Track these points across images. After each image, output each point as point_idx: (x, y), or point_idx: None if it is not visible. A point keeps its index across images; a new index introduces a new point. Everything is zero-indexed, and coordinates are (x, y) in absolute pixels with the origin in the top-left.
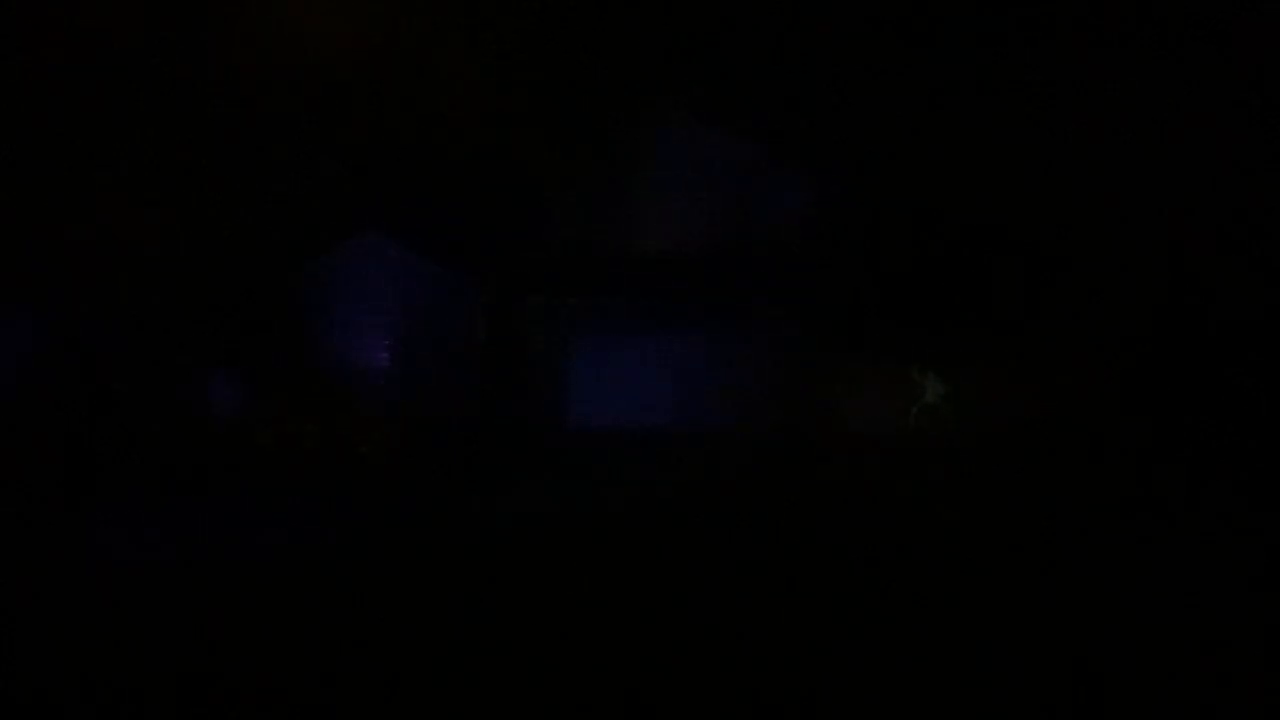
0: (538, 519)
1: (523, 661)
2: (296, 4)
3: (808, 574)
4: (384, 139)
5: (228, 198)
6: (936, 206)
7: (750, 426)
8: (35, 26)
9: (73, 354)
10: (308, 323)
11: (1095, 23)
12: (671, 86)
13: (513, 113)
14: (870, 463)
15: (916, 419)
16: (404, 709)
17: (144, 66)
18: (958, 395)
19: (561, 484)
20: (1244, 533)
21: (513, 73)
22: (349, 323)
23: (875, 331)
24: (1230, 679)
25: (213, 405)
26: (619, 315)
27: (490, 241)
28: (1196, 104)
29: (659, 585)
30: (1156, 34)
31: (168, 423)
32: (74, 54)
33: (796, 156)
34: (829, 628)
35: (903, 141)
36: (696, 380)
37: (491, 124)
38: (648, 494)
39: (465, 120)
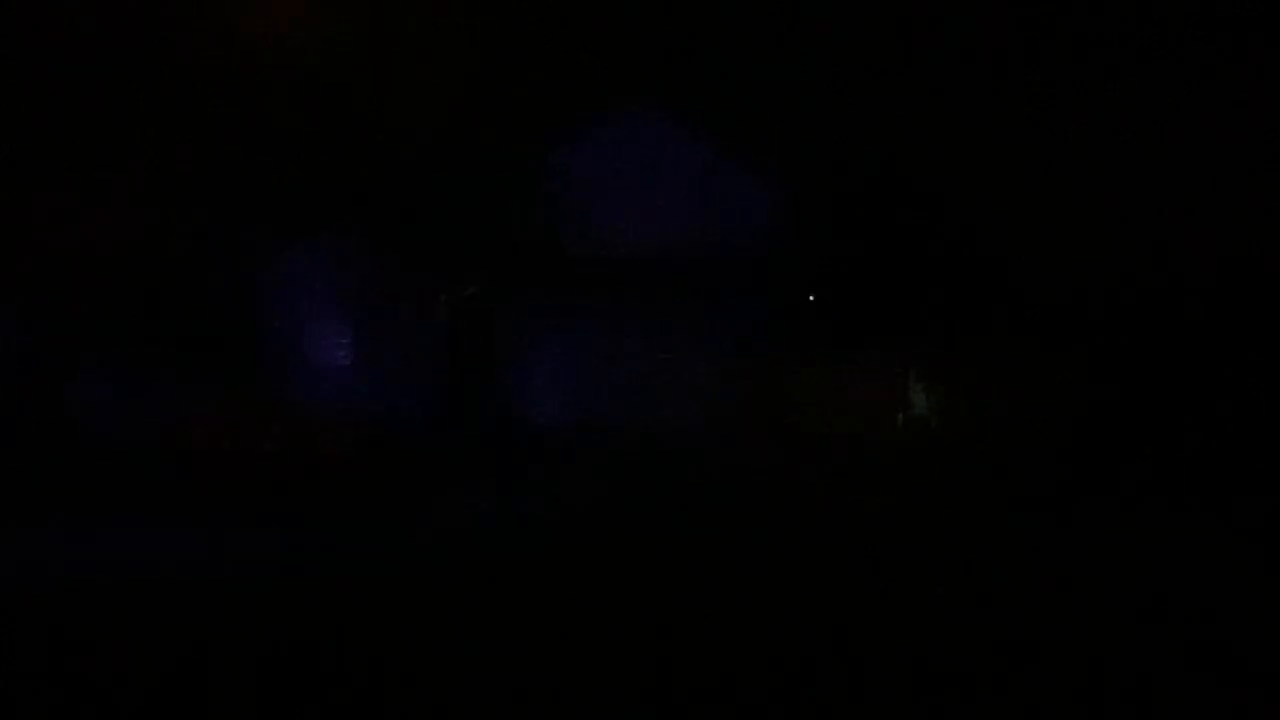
0: (505, 520)
1: (496, 666)
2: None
3: (781, 578)
4: (346, 136)
5: (184, 196)
6: (921, 210)
7: (720, 428)
8: None
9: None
10: (267, 323)
11: (1067, 25)
12: (640, 86)
13: (477, 110)
14: (851, 469)
15: (903, 428)
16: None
17: (102, 63)
18: (945, 405)
19: (529, 484)
20: (1227, 534)
21: (479, 70)
22: (309, 323)
23: (857, 336)
24: (1213, 679)
25: (165, 408)
26: (586, 315)
27: (454, 240)
28: (1172, 107)
29: (631, 586)
30: (1130, 33)
31: (120, 427)
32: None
33: (772, 157)
34: (807, 633)
35: (885, 144)
36: (666, 381)
37: (456, 121)
38: (616, 494)
39: (429, 117)
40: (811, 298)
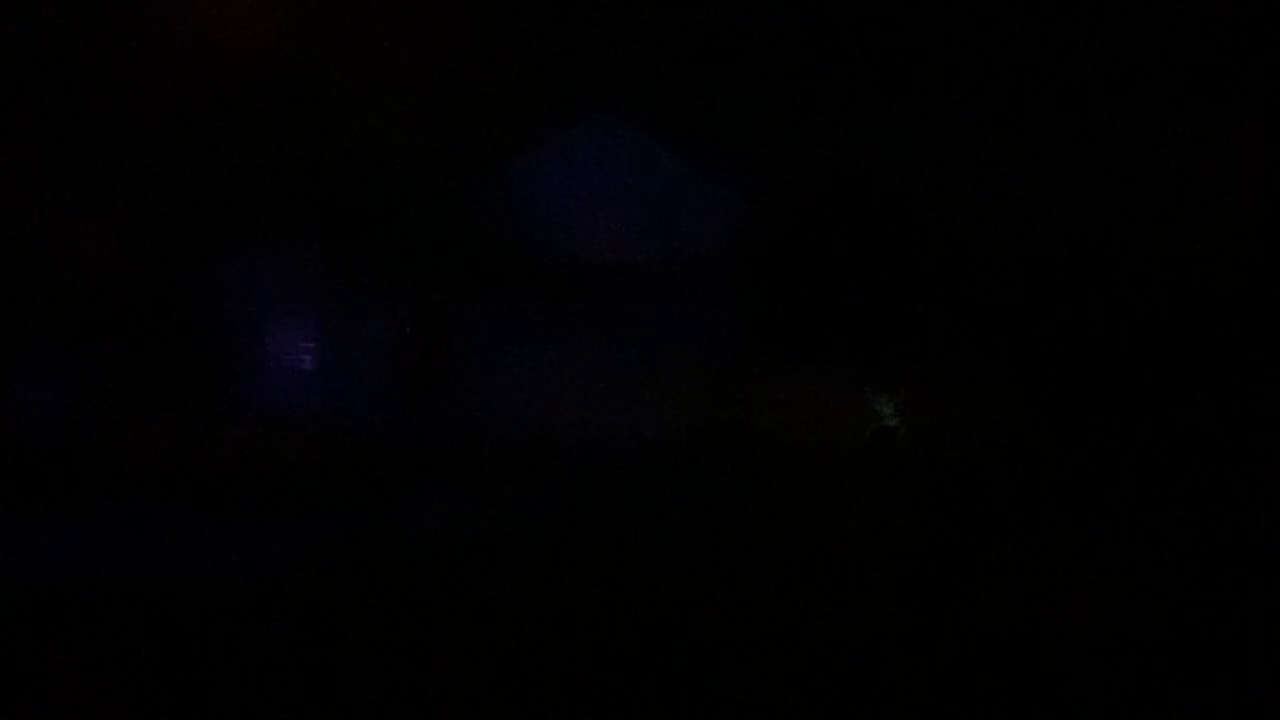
0: (466, 527)
1: (458, 673)
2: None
3: (740, 588)
4: (309, 138)
5: (141, 194)
6: (889, 218)
7: (683, 436)
8: None
9: None
10: (228, 325)
11: (1037, 29)
12: (604, 91)
13: (441, 115)
14: (816, 478)
15: (871, 438)
16: None
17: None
18: (915, 416)
19: (490, 491)
20: (1190, 551)
21: (445, 76)
22: (272, 325)
23: (825, 346)
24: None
25: (118, 411)
26: (551, 321)
27: (418, 245)
28: (1147, 114)
29: (593, 593)
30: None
31: (70, 430)
32: None
33: (738, 163)
34: (767, 645)
35: (853, 151)
36: (628, 388)
37: (420, 125)
38: (576, 502)
39: (393, 120)
40: (778, 305)
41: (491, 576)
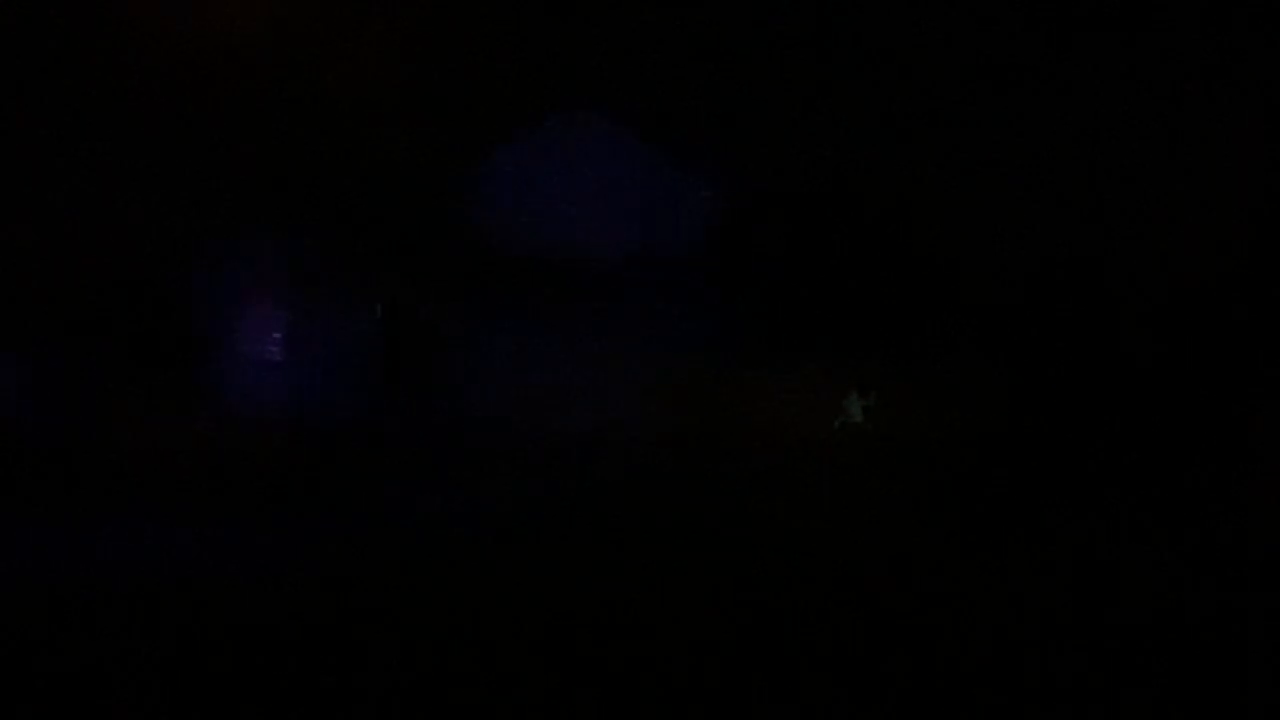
0: (435, 523)
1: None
2: None
3: (713, 582)
4: (280, 128)
5: (109, 184)
6: (862, 214)
7: (653, 431)
8: None
9: None
10: (194, 316)
11: (1018, 25)
12: (579, 85)
13: (408, 111)
14: (784, 471)
15: (838, 432)
16: None
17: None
18: (880, 411)
19: (459, 488)
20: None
21: (418, 69)
22: (240, 317)
23: (794, 342)
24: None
25: (89, 410)
26: (521, 316)
27: (388, 237)
28: (1128, 113)
29: (561, 590)
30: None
31: (31, 421)
32: None
33: (710, 158)
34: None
35: (826, 147)
36: (599, 384)
37: (393, 119)
38: (547, 498)
39: (365, 113)
40: (757, 302)
41: (469, 573)
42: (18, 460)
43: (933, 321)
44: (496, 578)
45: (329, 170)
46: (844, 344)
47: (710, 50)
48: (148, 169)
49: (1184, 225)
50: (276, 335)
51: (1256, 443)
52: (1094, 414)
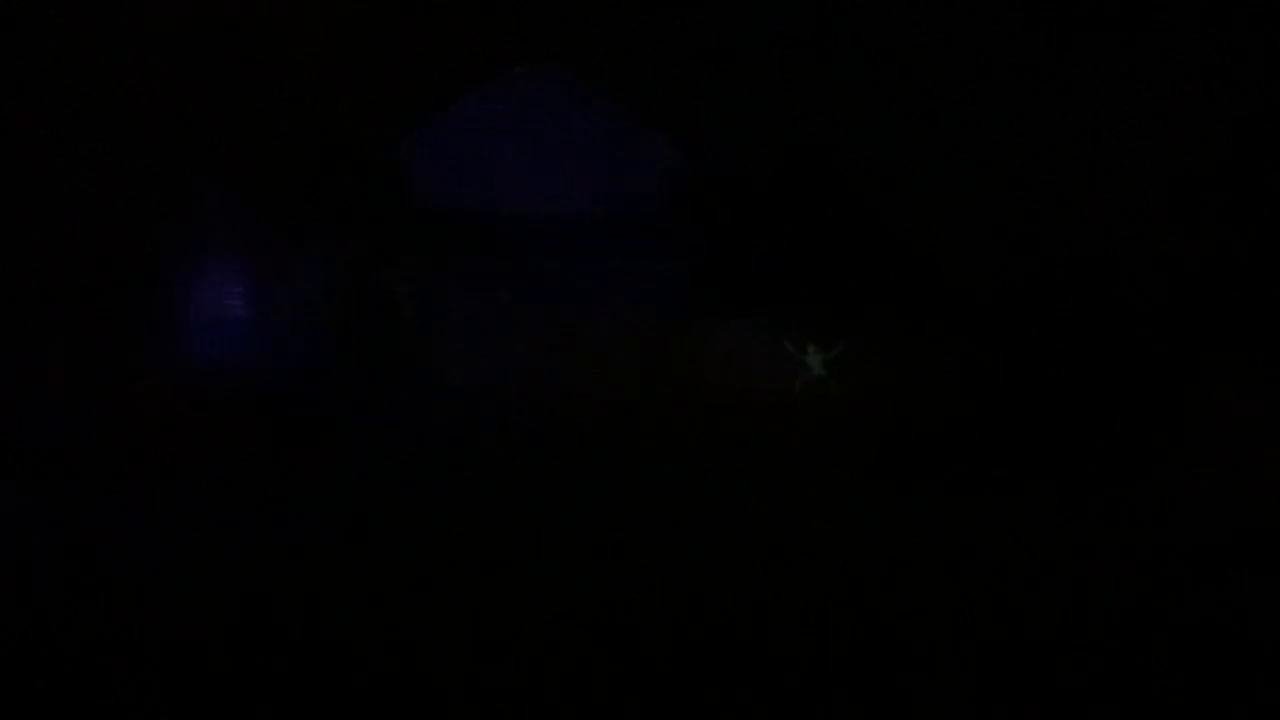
0: (408, 491)
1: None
2: None
3: (679, 543)
4: (240, 83)
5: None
6: (823, 175)
7: (617, 391)
8: None
9: None
10: (150, 272)
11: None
12: (542, 41)
13: (374, 63)
14: (747, 431)
15: (799, 390)
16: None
17: None
18: (839, 369)
19: (430, 451)
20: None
21: (377, 25)
22: (200, 272)
23: (751, 299)
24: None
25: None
26: (483, 278)
27: (351, 204)
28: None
29: (536, 555)
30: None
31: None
32: None
33: (672, 117)
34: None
35: (788, 109)
36: (558, 346)
37: (352, 74)
38: (518, 458)
39: (325, 67)
40: (719, 261)
41: (434, 536)
42: None
43: (894, 283)
44: (457, 541)
45: (289, 134)
46: (807, 306)
47: (675, 4)
48: (106, 137)
49: (1163, 202)
50: (237, 302)
51: (1223, 424)
52: (1060, 382)
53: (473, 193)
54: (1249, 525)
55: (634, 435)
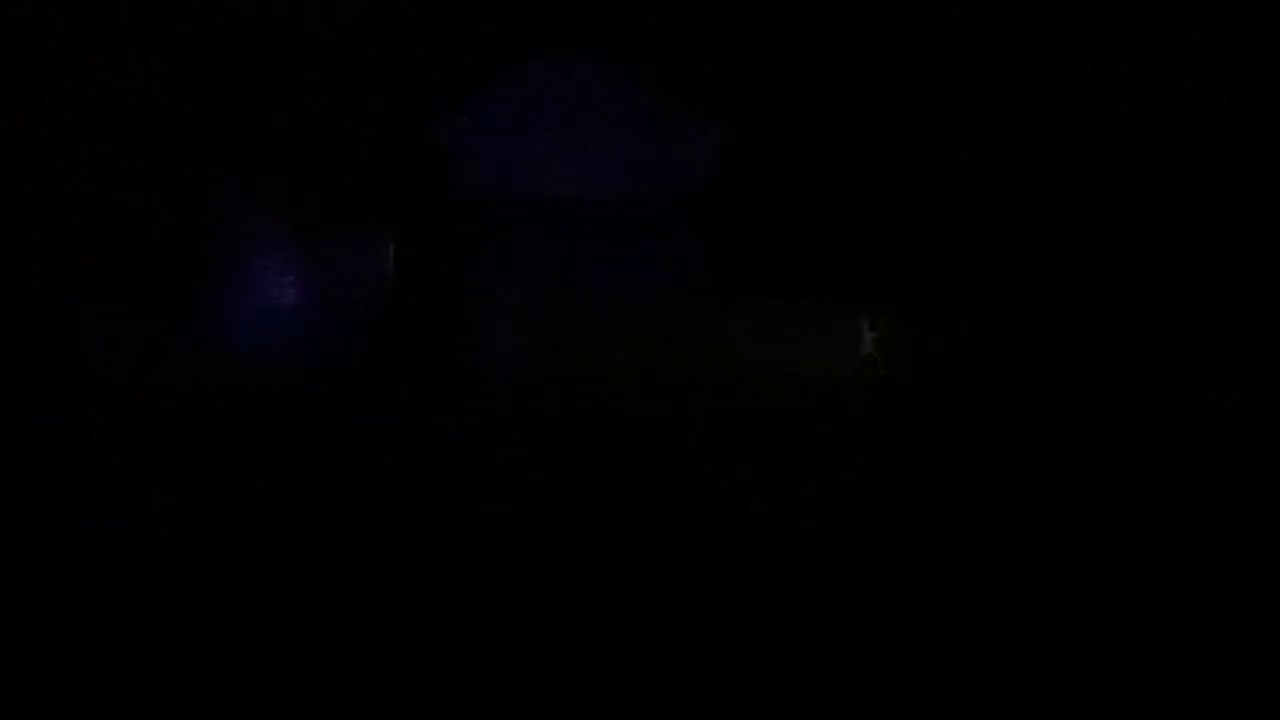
0: (441, 472)
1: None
2: None
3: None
4: (285, 70)
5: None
6: (870, 151)
7: (663, 374)
8: None
9: None
10: (207, 259)
11: None
12: (578, 21)
13: (411, 46)
14: (797, 413)
15: (851, 370)
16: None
17: None
18: (890, 347)
19: (465, 435)
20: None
21: (406, 14)
22: (251, 260)
23: (800, 278)
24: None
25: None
26: (527, 260)
27: (396, 181)
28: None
29: (570, 539)
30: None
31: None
32: None
33: (714, 93)
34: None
35: (832, 84)
36: (601, 327)
37: (392, 58)
38: (558, 443)
39: (366, 53)
40: (756, 240)
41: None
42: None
43: (938, 265)
44: (495, 529)
45: (320, 121)
46: (852, 285)
47: None
48: (147, 123)
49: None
50: (288, 279)
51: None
52: (1088, 371)
53: (506, 177)
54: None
55: (669, 421)
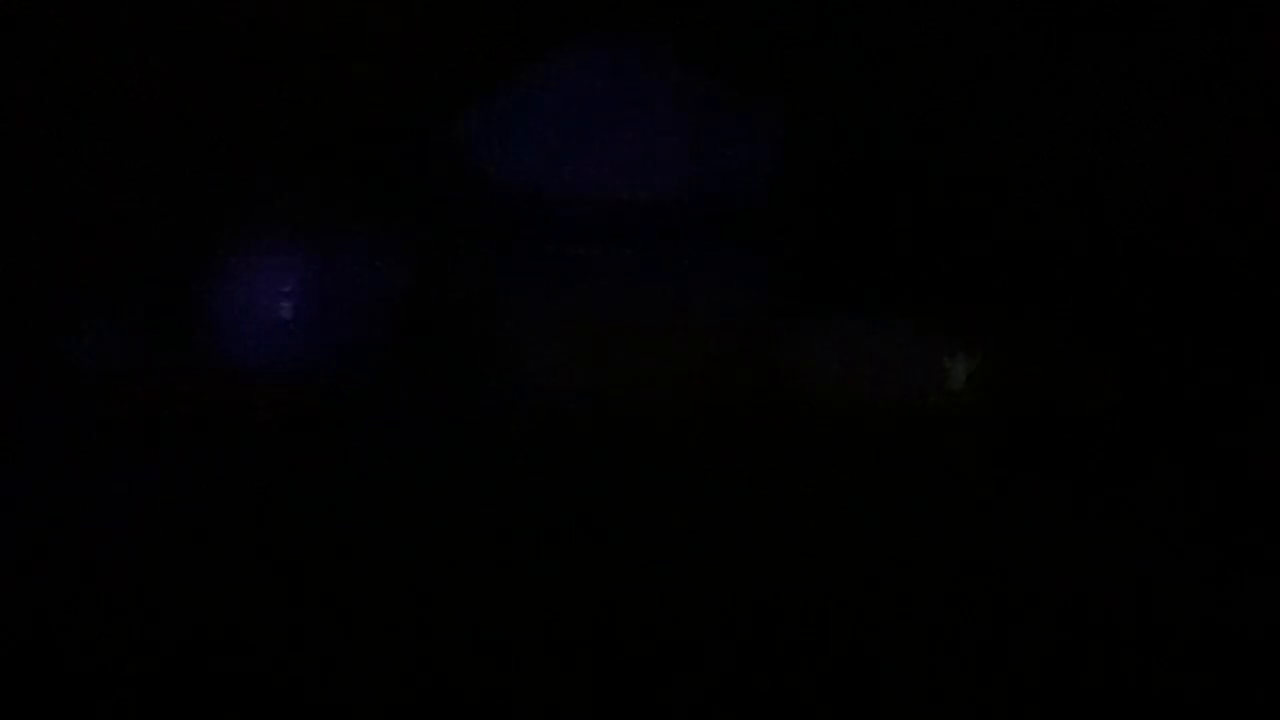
0: (472, 487)
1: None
2: None
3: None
4: (296, 60)
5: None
6: (951, 157)
7: (715, 399)
8: None
9: None
10: (203, 270)
11: None
12: (626, 13)
13: (444, 40)
14: (868, 444)
15: (934, 400)
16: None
17: None
18: (978, 379)
19: (507, 451)
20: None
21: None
22: (249, 271)
23: (877, 292)
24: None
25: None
26: (559, 268)
27: (413, 184)
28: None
29: (620, 560)
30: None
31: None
32: None
33: (780, 91)
34: (802, 617)
35: (908, 82)
36: (651, 343)
37: (422, 52)
38: (610, 462)
39: (393, 47)
40: (822, 249)
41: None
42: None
43: (1019, 278)
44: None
45: (345, 112)
46: (930, 299)
47: None
48: (149, 124)
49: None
50: (286, 290)
51: None
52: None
53: (542, 177)
54: None
55: (721, 453)
